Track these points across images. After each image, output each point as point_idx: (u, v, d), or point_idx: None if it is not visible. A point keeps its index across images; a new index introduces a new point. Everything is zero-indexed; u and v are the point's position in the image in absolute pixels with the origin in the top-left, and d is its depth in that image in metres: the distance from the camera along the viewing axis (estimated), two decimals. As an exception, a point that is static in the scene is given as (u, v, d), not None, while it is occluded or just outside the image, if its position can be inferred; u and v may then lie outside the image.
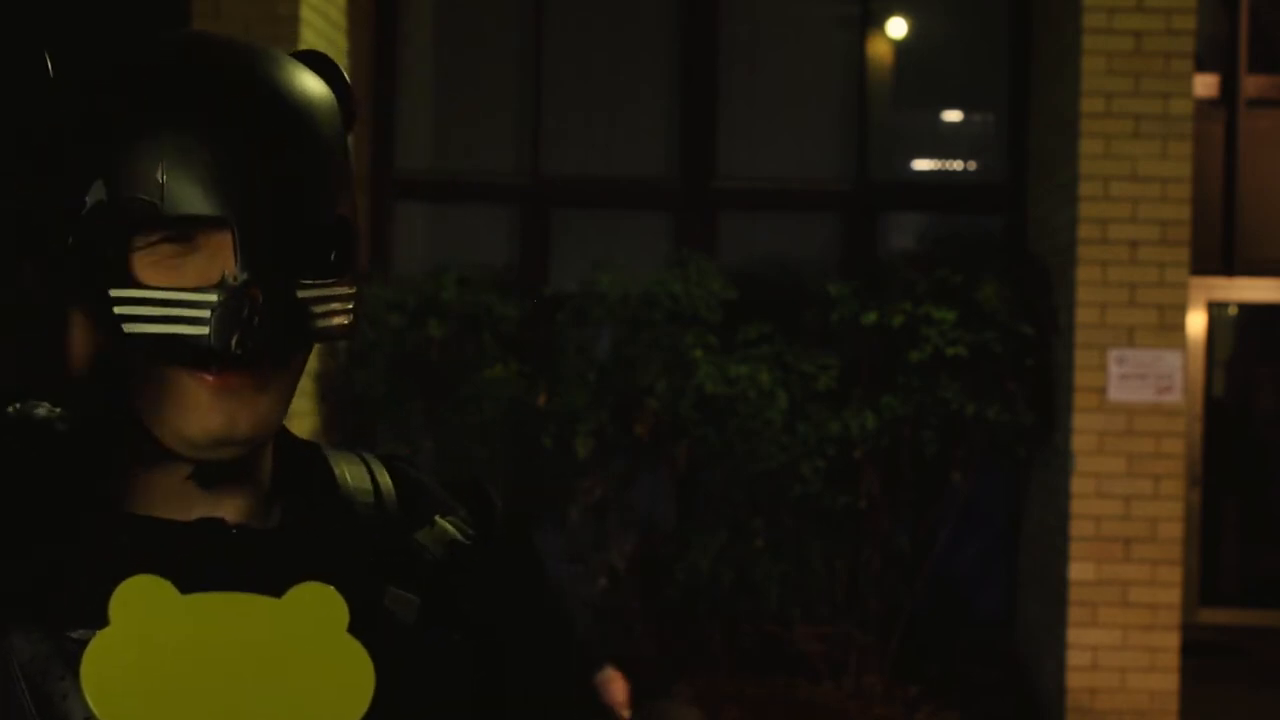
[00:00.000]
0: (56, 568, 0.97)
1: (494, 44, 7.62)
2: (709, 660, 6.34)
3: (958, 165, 7.74)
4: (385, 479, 1.12)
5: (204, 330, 0.93)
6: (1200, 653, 6.78)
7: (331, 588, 0.97)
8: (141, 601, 0.94)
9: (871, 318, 6.22)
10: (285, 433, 1.10)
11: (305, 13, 5.54)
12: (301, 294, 0.96)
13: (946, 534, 6.41)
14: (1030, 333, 6.22)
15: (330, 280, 0.99)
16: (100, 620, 0.93)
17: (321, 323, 0.98)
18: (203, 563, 0.98)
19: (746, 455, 6.14)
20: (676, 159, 7.49)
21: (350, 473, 1.11)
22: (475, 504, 1.15)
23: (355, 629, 0.97)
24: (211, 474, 1.01)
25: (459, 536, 1.11)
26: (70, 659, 0.94)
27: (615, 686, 4.46)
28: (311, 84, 1.00)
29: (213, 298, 0.93)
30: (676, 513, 6.59)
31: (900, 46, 7.69)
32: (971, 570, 7.03)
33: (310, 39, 5.66)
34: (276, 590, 0.97)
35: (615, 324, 6.29)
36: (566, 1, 7.57)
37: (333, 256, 1.01)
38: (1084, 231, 5.92)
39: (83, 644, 0.93)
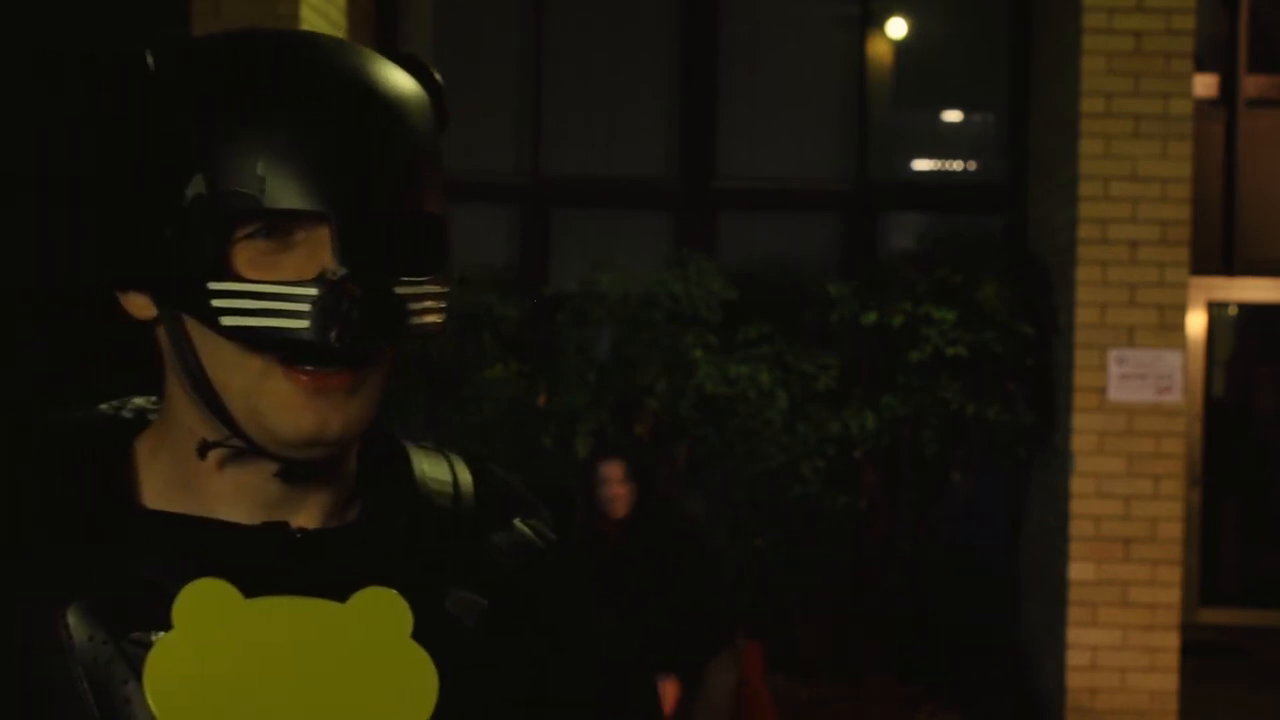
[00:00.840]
0: (120, 569, 0.96)
1: (494, 44, 7.62)
2: (709, 660, 6.34)
3: (958, 165, 7.74)
4: (466, 477, 1.11)
5: (303, 324, 0.93)
6: (1200, 653, 6.78)
7: (395, 593, 0.97)
8: (205, 605, 0.94)
9: (871, 318, 6.22)
10: (370, 427, 1.09)
11: (305, 13, 5.54)
12: (398, 290, 0.96)
13: (946, 534, 6.41)
14: (1030, 333, 6.22)
15: (424, 277, 0.99)
16: (164, 624, 0.93)
17: (416, 319, 0.98)
18: (268, 566, 0.98)
19: (746, 455, 6.15)
20: (676, 159, 7.49)
21: (430, 469, 1.10)
22: (558, 509, 1.14)
23: (420, 634, 0.97)
24: (298, 473, 1.01)
25: (536, 540, 1.10)
26: (134, 663, 0.94)
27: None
28: (407, 84, 1.01)
29: (312, 291, 0.93)
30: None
31: (900, 46, 7.69)
32: (971, 570, 7.02)
33: (310, 39, 5.66)
34: (342, 594, 0.96)
35: (615, 324, 6.29)
36: (566, 1, 7.57)
37: (425, 254, 1.01)
38: (1084, 231, 5.92)
39: (146, 648, 0.93)
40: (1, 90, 6.97)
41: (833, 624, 6.32)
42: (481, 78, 7.59)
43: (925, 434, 6.16)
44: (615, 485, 4.63)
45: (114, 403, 1.09)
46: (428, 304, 0.99)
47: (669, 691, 4.63)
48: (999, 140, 7.54)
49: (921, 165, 7.82)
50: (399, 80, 1.00)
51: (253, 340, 0.94)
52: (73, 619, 0.94)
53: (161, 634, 0.93)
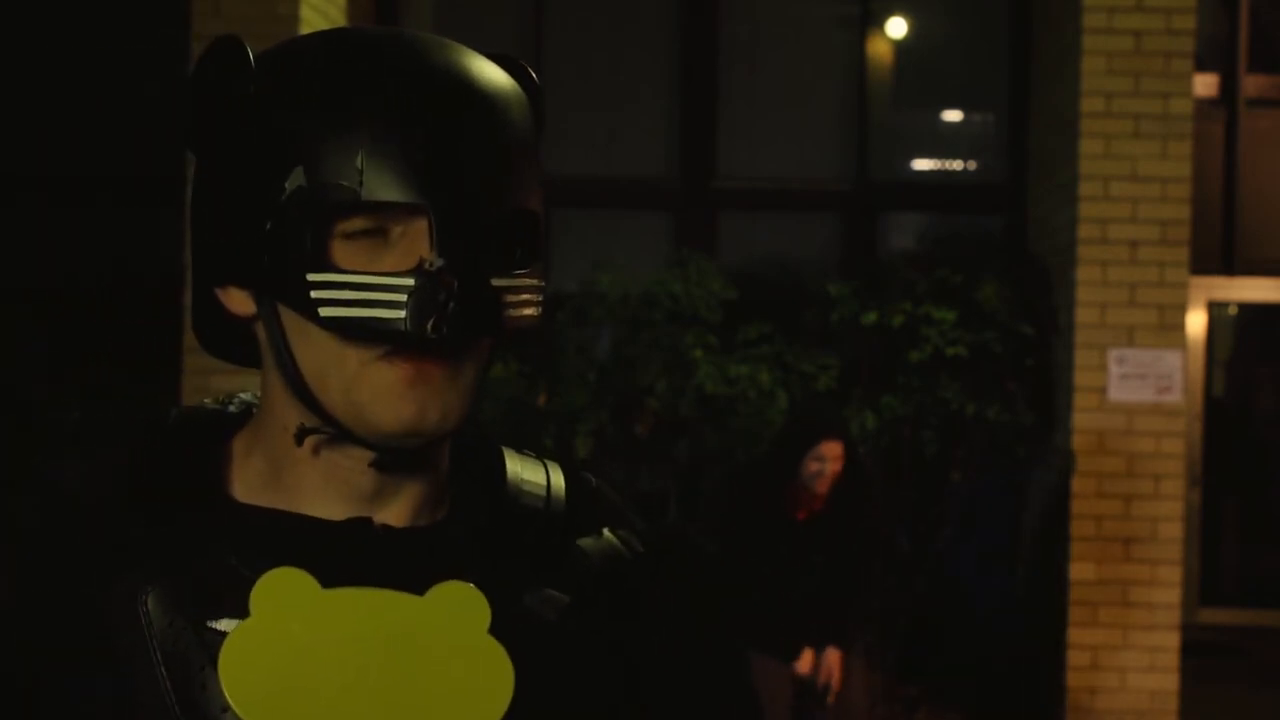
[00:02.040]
0: (203, 556, 0.97)
1: (494, 44, 7.59)
2: (709, 660, 6.34)
3: (958, 165, 7.75)
4: (559, 481, 1.11)
5: (400, 314, 0.94)
6: (1200, 653, 6.78)
7: (473, 586, 0.97)
8: (283, 595, 0.94)
9: (871, 318, 6.22)
10: (464, 427, 1.10)
11: (305, 13, 5.54)
12: (494, 283, 0.97)
13: (946, 534, 6.41)
14: (1030, 333, 6.22)
15: (520, 271, 1.00)
16: (242, 613, 0.94)
17: (512, 312, 0.98)
18: (349, 559, 0.99)
19: (746, 455, 6.14)
20: (676, 159, 7.49)
21: (523, 472, 1.11)
22: (652, 522, 1.15)
23: (497, 630, 0.97)
24: (392, 463, 1.01)
25: (624, 551, 1.10)
26: (211, 650, 0.94)
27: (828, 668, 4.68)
28: (505, 81, 1.02)
29: (410, 282, 0.94)
30: (677, 512, 6.59)
31: (900, 46, 7.69)
32: (971, 570, 7.02)
33: (310, 39, 5.66)
34: (422, 588, 0.97)
35: (615, 324, 6.29)
36: (566, 1, 7.57)
37: (521, 248, 1.01)
38: (1084, 231, 5.92)
39: (223, 635, 0.94)
40: (1, 90, 6.96)
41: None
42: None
43: (925, 434, 6.16)
44: (834, 463, 4.62)
45: (222, 397, 1.11)
46: (524, 297, 1.00)
47: (835, 661, 4.69)
48: (999, 140, 7.54)
49: (921, 165, 7.82)
50: (497, 77, 1.01)
51: (350, 331, 0.95)
52: (152, 602, 0.95)
53: (239, 622, 0.94)
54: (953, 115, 7.88)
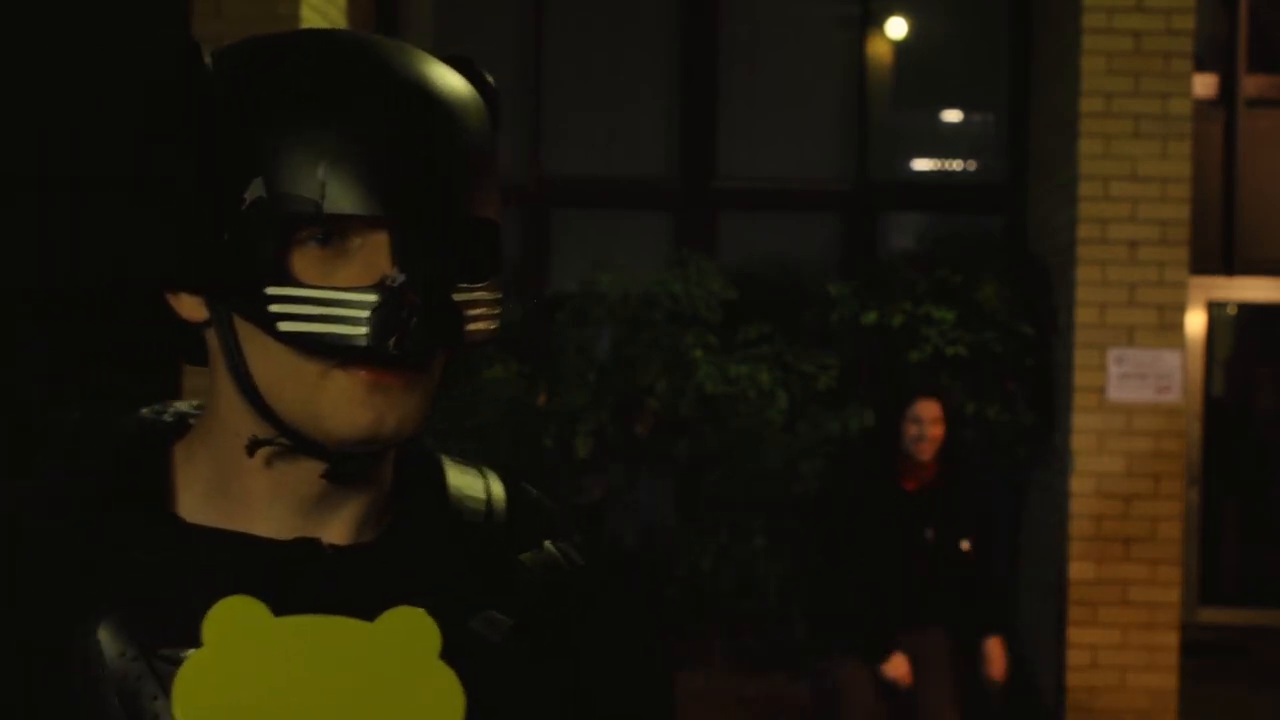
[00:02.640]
0: (153, 584, 0.96)
1: (494, 44, 7.62)
2: (709, 660, 6.34)
3: (958, 165, 7.74)
4: (499, 493, 1.11)
5: (361, 330, 0.93)
6: (1200, 653, 6.77)
7: (424, 612, 0.97)
8: (235, 623, 0.94)
9: (871, 318, 6.22)
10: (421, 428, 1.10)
11: (305, 13, 5.55)
12: (456, 297, 0.96)
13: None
14: (1030, 333, 6.22)
15: (480, 283, 0.99)
16: (194, 640, 0.93)
17: (472, 325, 0.98)
18: (298, 583, 0.98)
19: (746, 455, 6.14)
20: (676, 159, 7.49)
21: (464, 484, 1.10)
22: (590, 534, 1.14)
23: (448, 654, 0.97)
24: (345, 471, 1.00)
25: (564, 563, 1.10)
26: (163, 679, 0.93)
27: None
28: (464, 87, 1.01)
29: (372, 298, 0.93)
30: (676, 512, 6.59)
31: (900, 46, 7.69)
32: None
33: (310, 39, 5.66)
34: (371, 611, 0.96)
35: (615, 324, 6.29)
36: (567, 1, 7.57)
37: (482, 259, 1.01)
38: (1084, 231, 5.92)
39: (176, 664, 0.93)
40: (1, 89, 6.96)
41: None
42: (481, 78, 7.59)
43: (925, 434, 6.15)
44: (933, 426, 4.48)
45: (155, 407, 1.09)
46: (483, 310, 0.99)
47: (997, 653, 4.62)
48: (999, 140, 7.54)
49: (921, 165, 7.82)
50: (456, 84, 1.00)
51: (310, 346, 0.94)
52: (104, 634, 0.94)
53: (192, 651, 0.93)
54: (953, 115, 7.87)
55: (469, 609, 1.02)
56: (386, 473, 1.05)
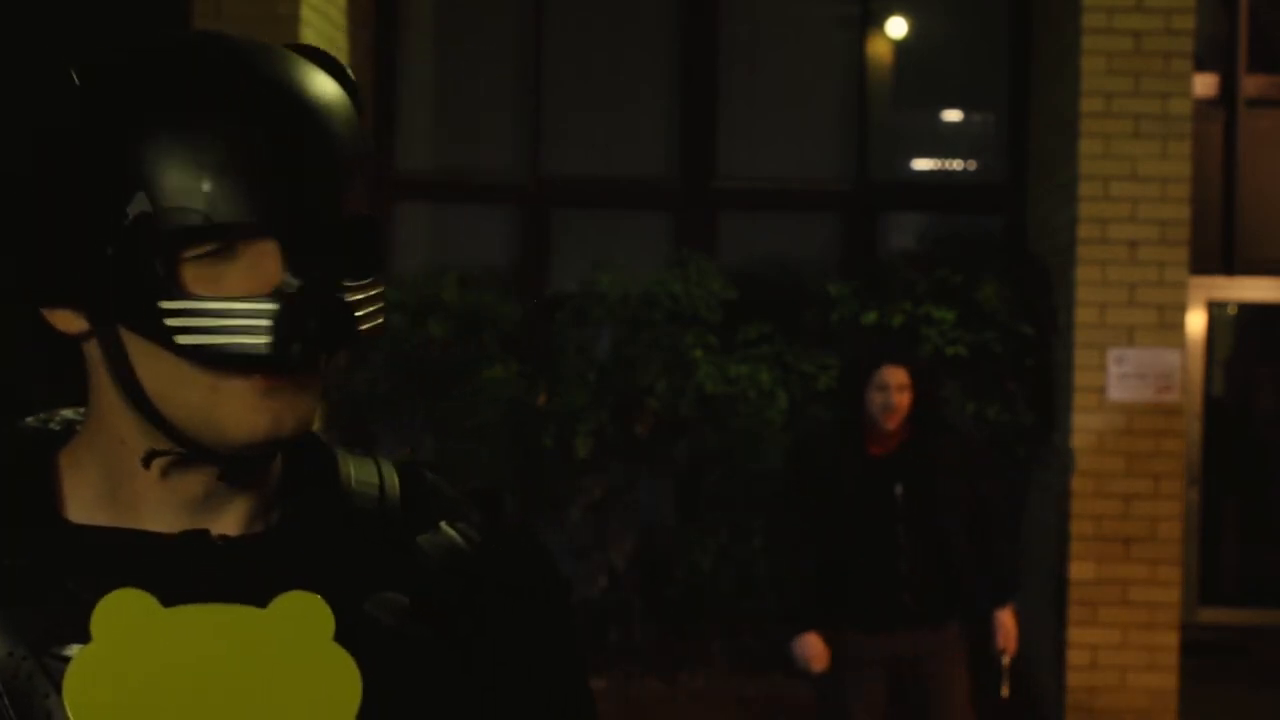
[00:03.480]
0: (40, 582, 0.96)
1: (494, 44, 7.62)
2: (709, 660, 6.35)
3: (958, 165, 7.75)
4: (392, 479, 1.11)
5: (262, 339, 0.93)
6: (1200, 652, 6.78)
7: (317, 596, 0.96)
8: (124, 616, 0.93)
9: (871, 317, 6.22)
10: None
11: (305, 13, 5.54)
12: (347, 297, 0.97)
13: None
14: (1030, 333, 6.22)
15: (368, 280, 1.00)
16: (84, 637, 0.93)
17: (365, 324, 0.98)
18: (188, 575, 0.98)
19: (746, 455, 6.15)
20: (676, 159, 7.49)
21: (356, 471, 1.10)
22: (488, 513, 1.13)
23: (341, 637, 0.96)
24: (240, 473, 1.01)
25: (461, 543, 1.09)
26: (54, 676, 0.93)
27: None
28: (332, 85, 1.00)
29: (272, 306, 0.93)
30: (676, 512, 6.59)
31: (900, 46, 7.69)
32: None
33: (310, 39, 5.67)
34: (264, 599, 0.96)
35: (615, 324, 6.29)
36: (566, 1, 7.57)
37: (363, 256, 1.00)
38: (1084, 231, 5.92)
39: (67, 661, 0.93)
40: (1, 89, 6.96)
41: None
42: (481, 78, 7.59)
43: (925, 434, 6.15)
44: (899, 394, 4.21)
45: (41, 415, 1.09)
46: (375, 306, 1.00)
47: (1008, 623, 4.41)
48: (999, 140, 7.54)
49: (921, 165, 7.82)
50: (324, 82, 0.99)
51: (208, 357, 0.94)
52: None
53: (81, 647, 0.93)
54: (953, 115, 7.87)
55: (364, 592, 1.02)
56: (275, 467, 1.05)
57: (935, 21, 7.75)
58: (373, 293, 1.00)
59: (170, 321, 0.93)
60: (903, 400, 4.23)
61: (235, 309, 0.93)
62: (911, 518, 4.27)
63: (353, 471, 1.10)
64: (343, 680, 0.96)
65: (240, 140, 0.93)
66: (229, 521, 1.03)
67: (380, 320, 1.01)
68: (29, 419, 1.08)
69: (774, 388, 6.13)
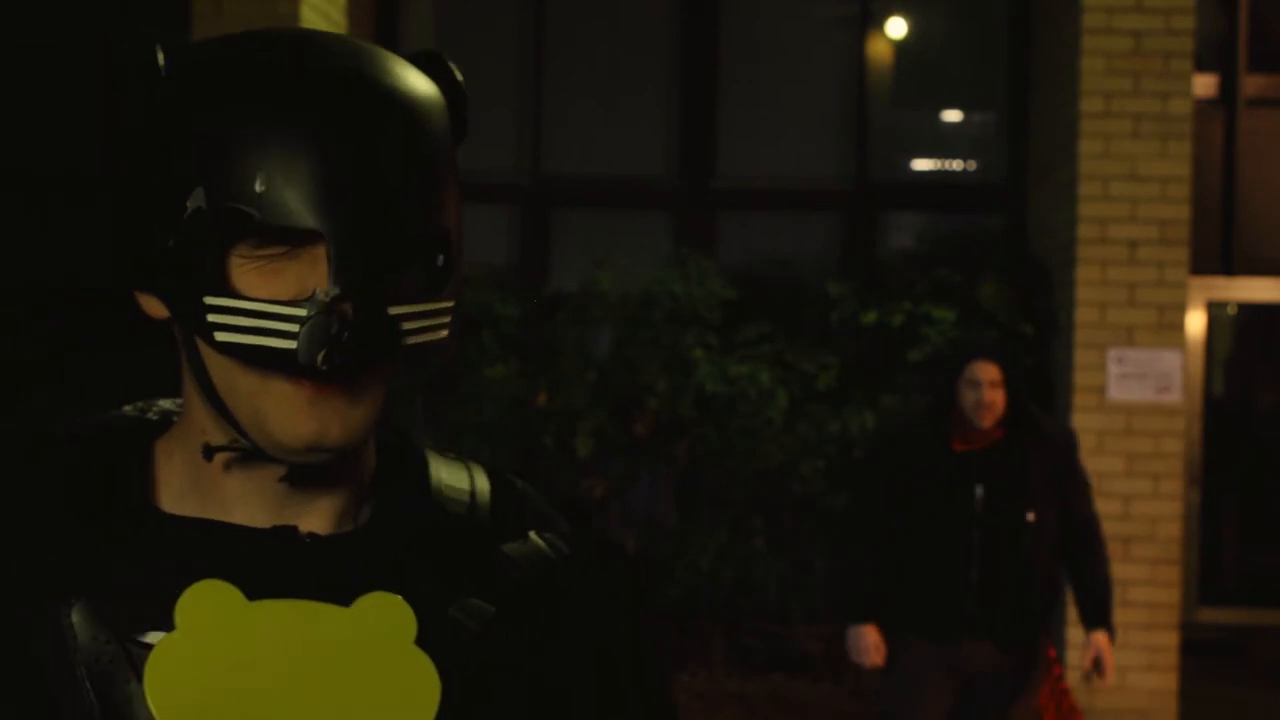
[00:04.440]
0: (128, 569, 0.97)
1: (494, 44, 7.63)
2: (709, 660, 6.35)
3: (958, 165, 7.75)
4: (483, 485, 1.10)
5: (290, 344, 0.92)
6: (1200, 652, 6.78)
7: (399, 598, 0.96)
8: (207, 607, 0.94)
9: (871, 317, 6.22)
10: (387, 432, 1.09)
11: (305, 13, 5.55)
12: (393, 310, 0.94)
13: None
14: (1030, 332, 6.22)
15: (425, 294, 0.97)
16: (168, 625, 0.93)
17: (413, 339, 0.96)
18: (274, 569, 0.98)
19: (746, 455, 6.15)
20: (676, 159, 7.49)
21: (447, 477, 1.09)
22: (577, 525, 1.12)
23: (424, 640, 0.96)
24: (302, 477, 1.00)
25: (550, 554, 1.08)
26: (137, 663, 0.94)
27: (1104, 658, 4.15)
28: (420, 89, 0.98)
29: (302, 311, 0.92)
30: (676, 512, 6.59)
31: (900, 46, 7.69)
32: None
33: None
34: (348, 598, 0.96)
35: (615, 324, 6.29)
36: (567, 2, 7.57)
37: (432, 269, 0.99)
38: (1084, 231, 5.92)
39: (149, 648, 0.93)
40: (2, 89, 6.96)
41: (832, 624, 6.32)
42: (482, 77, 7.60)
43: (925, 434, 6.16)
44: (990, 390, 3.97)
45: (140, 404, 1.09)
46: (427, 322, 0.97)
47: (1104, 646, 4.12)
48: (999, 140, 7.54)
49: (921, 165, 7.82)
50: (410, 86, 0.97)
51: (243, 356, 0.94)
52: (76, 618, 0.95)
53: (164, 634, 0.93)
54: (953, 115, 7.88)
55: (448, 597, 1.02)
56: (364, 469, 1.05)
57: (935, 21, 7.76)
58: (429, 308, 0.97)
59: (213, 318, 0.93)
60: (996, 398, 3.99)
61: (270, 311, 0.93)
62: (989, 523, 4.00)
63: (444, 476, 1.09)
64: (421, 683, 0.96)
65: (297, 144, 0.92)
66: (317, 520, 1.02)
67: (438, 336, 0.98)
68: (126, 407, 1.09)
69: (774, 387, 6.13)
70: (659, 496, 6.61)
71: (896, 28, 7.65)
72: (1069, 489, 4.14)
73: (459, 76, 1.03)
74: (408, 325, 0.96)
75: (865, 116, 7.50)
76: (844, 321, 6.30)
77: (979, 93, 7.73)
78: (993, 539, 4.00)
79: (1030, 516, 4.01)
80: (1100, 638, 4.17)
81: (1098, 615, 4.18)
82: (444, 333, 0.99)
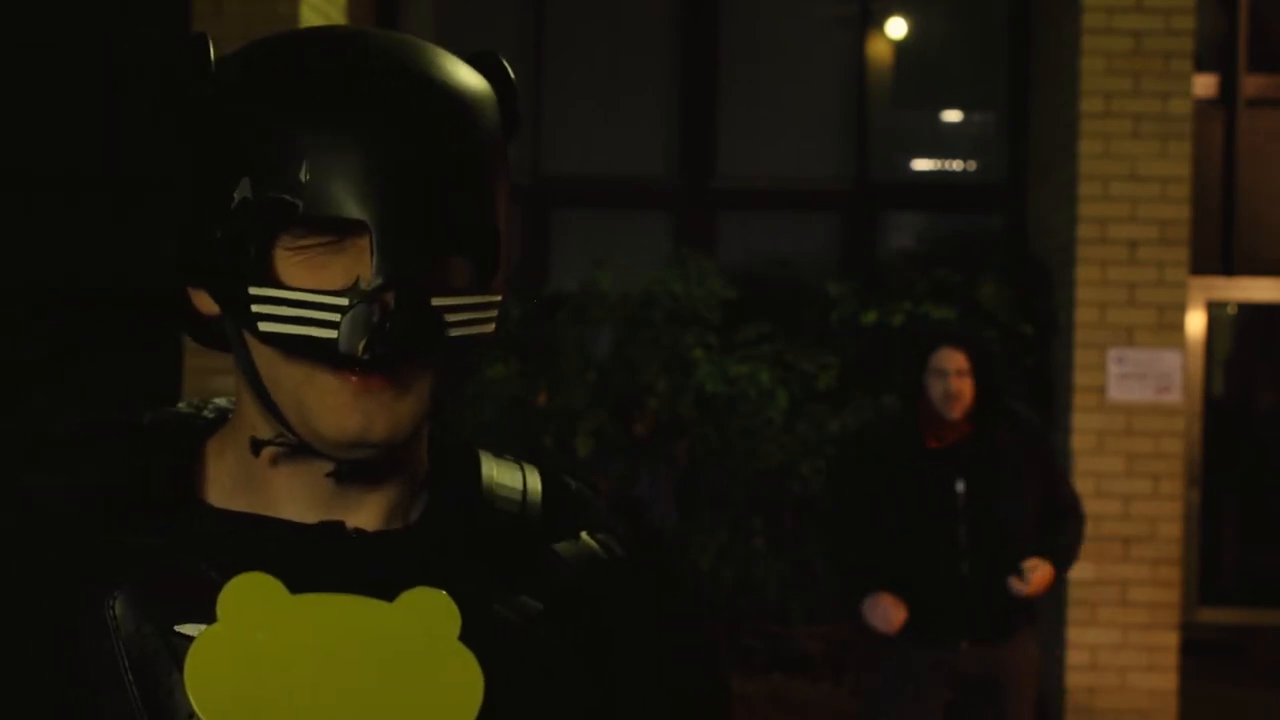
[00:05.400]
0: (173, 561, 0.97)
1: (494, 44, 7.61)
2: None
3: (958, 165, 7.75)
4: (535, 484, 1.10)
5: (332, 334, 0.92)
6: (1200, 652, 6.78)
7: (444, 593, 0.96)
8: (250, 600, 0.94)
9: (871, 317, 6.22)
10: (440, 430, 1.09)
11: (305, 13, 5.55)
12: (437, 301, 0.95)
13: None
14: (1030, 332, 6.22)
15: (470, 287, 0.98)
16: (210, 617, 0.93)
17: (457, 330, 0.96)
18: (319, 564, 0.98)
19: (746, 455, 6.15)
20: (676, 159, 7.49)
21: (499, 475, 1.09)
22: (631, 526, 1.12)
23: (468, 636, 0.96)
24: (348, 472, 1.00)
25: (602, 554, 1.08)
26: (178, 655, 0.94)
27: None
28: (471, 84, 0.99)
29: (345, 301, 0.92)
30: (676, 512, 6.59)
31: (900, 46, 7.69)
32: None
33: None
34: (392, 594, 0.96)
35: (615, 323, 6.30)
36: (567, 2, 7.57)
37: (477, 263, 0.99)
38: (1084, 231, 5.92)
39: (191, 640, 0.93)
40: (2, 89, 6.97)
41: (832, 624, 6.32)
42: (481, 78, 7.60)
43: (925, 434, 6.16)
44: (958, 379, 3.87)
45: (195, 401, 1.10)
46: (471, 314, 0.97)
47: (1043, 568, 3.91)
48: (999, 140, 7.54)
49: (921, 165, 7.82)
50: (461, 82, 0.98)
51: (286, 347, 0.94)
52: (120, 608, 0.95)
53: (206, 626, 0.93)
54: (953, 115, 7.88)
55: (495, 594, 1.01)
56: (417, 463, 1.05)
57: (935, 21, 7.76)
58: (473, 300, 0.97)
59: (257, 308, 0.94)
60: (964, 387, 3.89)
61: (313, 301, 0.93)
62: (975, 517, 3.92)
63: (496, 475, 1.09)
64: (465, 679, 0.95)
65: (342, 134, 0.92)
66: (367, 516, 1.02)
67: (485, 329, 0.98)
68: (180, 405, 1.09)
69: (774, 387, 6.13)
70: (659, 496, 6.61)
71: (896, 28, 7.65)
72: (1045, 474, 4.07)
73: (511, 74, 1.04)
74: (451, 317, 0.96)
75: (865, 116, 7.50)
76: (844, 321, 6.30)
77: (979, 93, 7.73)
78: (979, 533, 3.93)
79: (1013, 507, 3.94)
80: (1045, 565, 3.95)
81: (1050, 554, 3.99)
82: (490, 326, 0.99)
